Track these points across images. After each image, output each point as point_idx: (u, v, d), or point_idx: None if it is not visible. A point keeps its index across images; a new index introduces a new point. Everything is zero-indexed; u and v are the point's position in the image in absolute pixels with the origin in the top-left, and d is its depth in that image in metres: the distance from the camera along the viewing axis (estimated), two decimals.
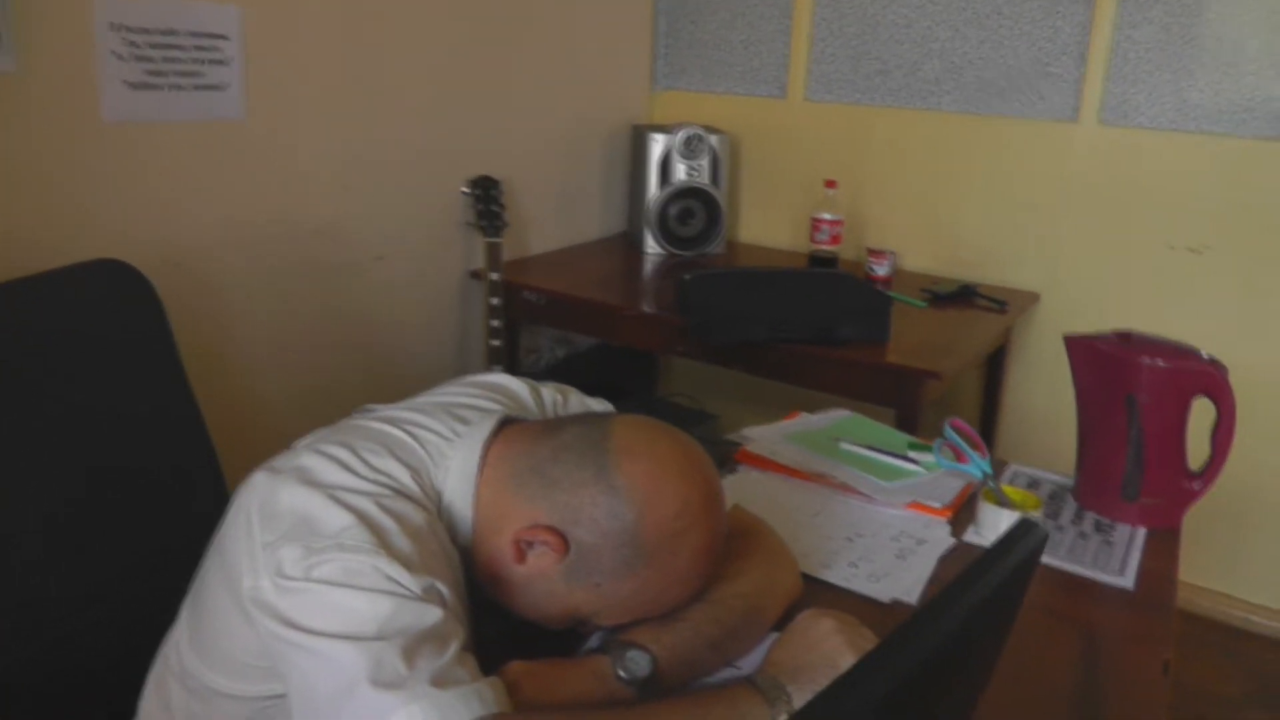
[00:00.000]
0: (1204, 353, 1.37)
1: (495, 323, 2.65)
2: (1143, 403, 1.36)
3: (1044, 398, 2.86)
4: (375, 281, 2.51)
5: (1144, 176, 2.65)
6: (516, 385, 1.18)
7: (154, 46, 1.87)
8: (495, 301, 2.65)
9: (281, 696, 0.94)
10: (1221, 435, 1.36)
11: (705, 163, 3.08)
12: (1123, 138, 2.66)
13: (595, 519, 0.95)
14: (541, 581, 0.98)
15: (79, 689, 1.20)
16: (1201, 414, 1.39)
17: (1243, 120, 2.50)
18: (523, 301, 2.72)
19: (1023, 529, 0.59)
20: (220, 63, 1.98)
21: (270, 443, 1.13)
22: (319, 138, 2.28)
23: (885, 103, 3.01)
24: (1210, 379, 1.35)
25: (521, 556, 0.97)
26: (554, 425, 1.04)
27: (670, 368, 3.52)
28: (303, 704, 0.86)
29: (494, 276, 2.65)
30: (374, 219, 2.47)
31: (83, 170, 1.83)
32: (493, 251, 2.65)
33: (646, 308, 2.66)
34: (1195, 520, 1.45)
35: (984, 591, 0.54)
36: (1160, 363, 1.35)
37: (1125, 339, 1.42)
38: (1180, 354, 1.37)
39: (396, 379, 2.54)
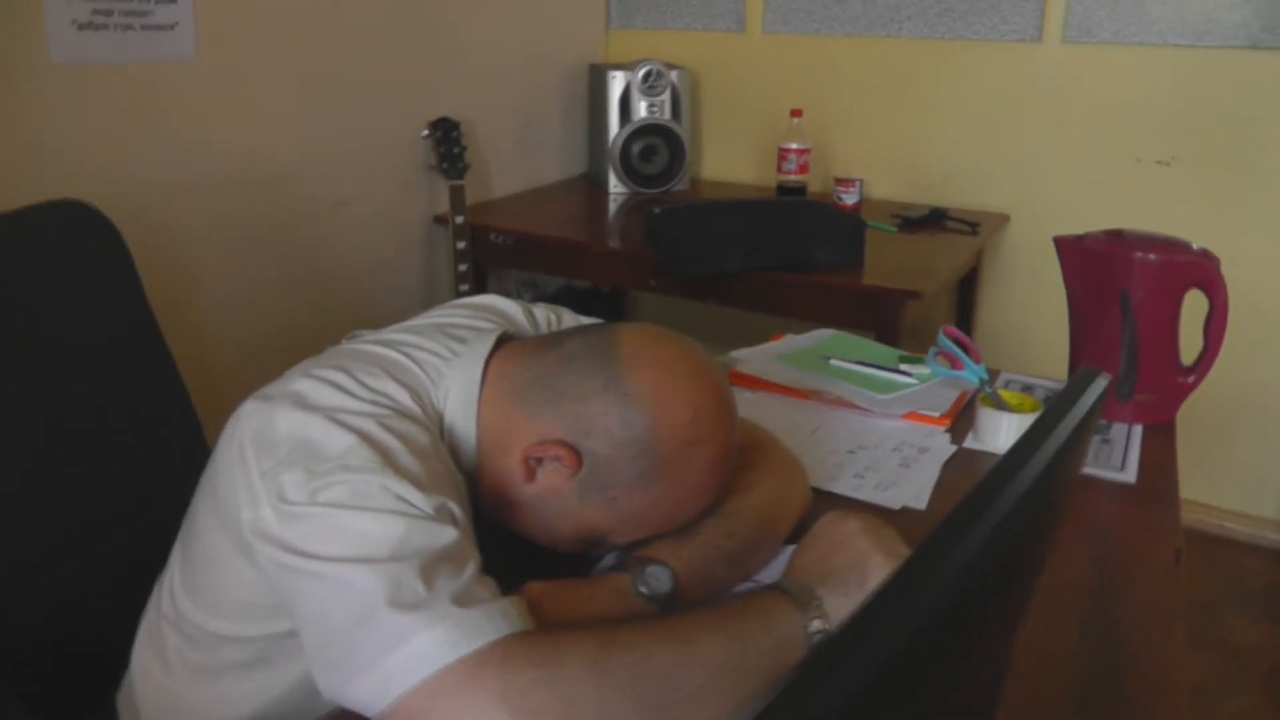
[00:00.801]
0: (1194, 245, 1.37)
1: (462, 266, 2.61)
2: (1136, 298, 1.35)
3: (1018, 315, 2.87)
4: (339, 227, 2.46)
5: (1109, 92, 2.65)
6: (508, 305, 1.14)
7: None
8: (461, 245, 2.60)
9: (285, 635, 0.90)
10: (1214, 326, 1.36)
11: (666, 99, 3.03)
12: (1087, 55, 2.65)
13: (608, 429, 0.92)
14: (553, 500, 0.94)
15: (66, 641, 1.16)
16: (1190, 310, 1.38)
17: (1206, 30, 2.50)
18: (489, 244, 2.67)
19: (1086, 375, 0.57)
20: (169, 0, 1.90)
21: (235, 390, 1.09)
22: (274, 79, 2.22)
23: (845, 32, 2.98)
24: (1203, 270, 1.34)
25: (531, 475, 0.94)
26: (555, 338, 1.01)
27: (640, 305, 3.49)
28: (315, 635, 0.81)
29: (458, 220, 2.60)
30: (334, 163, 2.41)
31: (33, 114, 1.76)
32: (456, 194, 2.60)
33: (615, 244, 2.63)
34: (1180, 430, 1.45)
35: (1057, 446, 0.51)
36: (1152, 257, 1.34)
37: (1115, 236, 1.41)
38: (1171, 247, 1.36)
39: (364, 325, 2.48)
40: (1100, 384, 0.54)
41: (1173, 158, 2.59)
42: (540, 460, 0.94)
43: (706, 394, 0.95)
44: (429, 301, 2.78)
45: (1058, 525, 0.64)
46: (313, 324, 2.38)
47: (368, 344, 1.01)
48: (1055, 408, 0.53)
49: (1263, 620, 2.47)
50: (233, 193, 2.16)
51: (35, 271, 1.23)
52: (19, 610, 1.12)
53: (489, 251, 2.68)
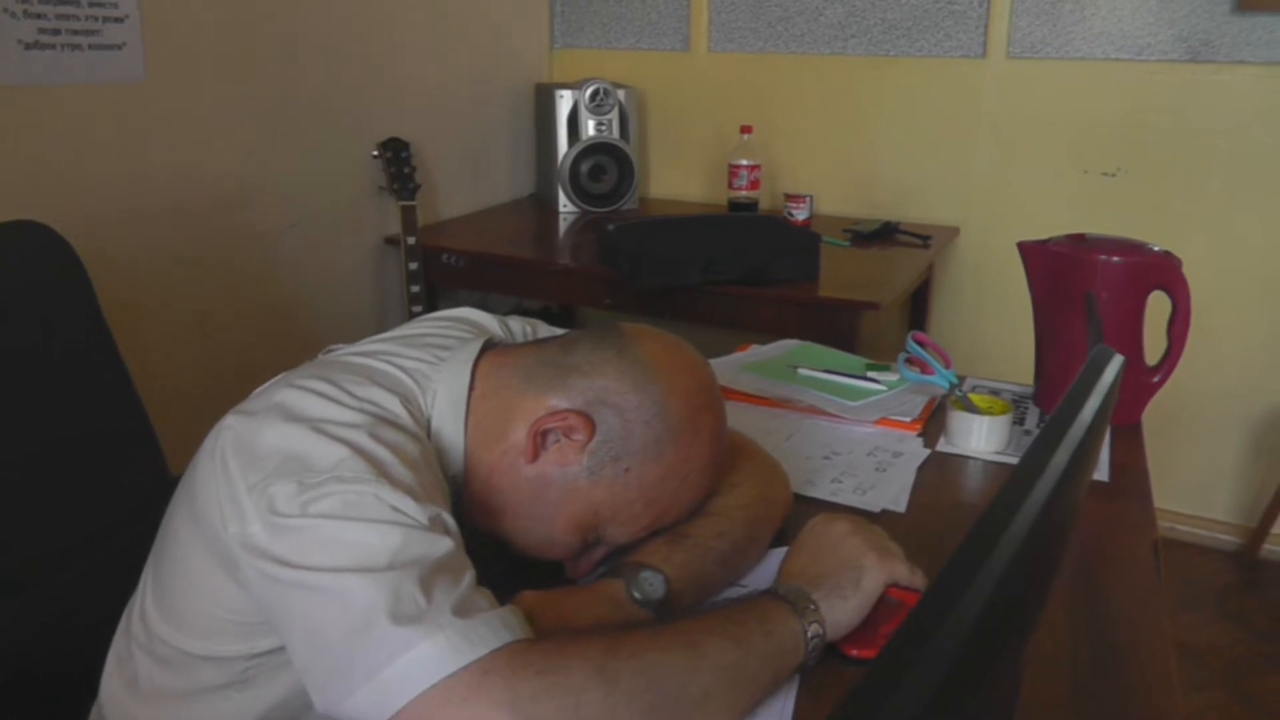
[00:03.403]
0: (1156, 246, 1.39)
1: (415, 287, 2.58)
2: (1101, 299, 1.37)
3: (971, 325, 2.91)
4: (290, 249, 2.42)
5: (1055, 106, 2.71)
6: (482, 316, 1.13)
7: (46, 3, 1.76)
8: (413, 266, 2.58)
9: (266, 654, 0.88)
10: (1178, 326, 1.38)
11: (614, 118, 3.03)
12: (1031, 70, 2.70)
13: (623, 392, 0.92)
14: (558, 481, 0.93)
15: (29, 672, 1.12)
16: (1153, 312, 1.41)
17: (1146, 45, 2.57)
18: (440, 265, 2.65)
19: (1103, 355, 0.57)
20: (117, 20, 1.87)
21: (189, 413, 1.06)
22: (223, 99, 2.18)
23: (791, 50, 3.01)
24: (1166, 271, 1.36)
25: (536, 453, 0.92)
26: (544, 340, 1.00)
27: (593, 324, 3.46)
28: (309, 649, 0.78)
29: (410, 240, 2.58)
30: (285, 185, 2.38)
31: None
32: (407, 215, 2.58)
33: (567, 262, 2.62)
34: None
35: (1081, 431, 0.51)
36: (1116, 259, 1.36)
37: (1079, 240, 1.43)
38: (1134, 249, 1.39)
39: (318, 347, 2.45)
40: (1117, 362, 0.55)
41: (1118, 169, 2.65)
42: (549, 432, 0.92)
43: (705, 370, 0.98)
44: (382, 322, 2.74)
45: (1079, 513, 0.63)
46: (266, 346, 2.34)
47: (348, 356, 0.99)
48: (1079, 386, 0.53)
49: (1218, 620, 2.51)
50: (183, 215, 2.11)
51: None
52: None
53: (441, 272, 2.66)
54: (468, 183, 3.05)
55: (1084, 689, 0.91)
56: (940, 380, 1.42)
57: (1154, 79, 2.58)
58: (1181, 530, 2.82)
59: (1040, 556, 0.48)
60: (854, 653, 0.91)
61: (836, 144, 3.01)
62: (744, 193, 2.93)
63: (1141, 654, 0.96)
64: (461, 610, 0.76)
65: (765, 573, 1.02)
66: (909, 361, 1.49)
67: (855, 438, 1.38)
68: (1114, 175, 2.66)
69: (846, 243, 2.63)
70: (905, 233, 2.70)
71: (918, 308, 2.88)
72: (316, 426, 0.84)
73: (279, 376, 0.96)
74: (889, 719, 0.32)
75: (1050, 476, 0.45)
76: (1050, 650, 0.95)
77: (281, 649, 0.86)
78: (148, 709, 0.95)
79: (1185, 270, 1.38)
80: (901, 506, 1.20)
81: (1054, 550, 0.54)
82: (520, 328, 1.16)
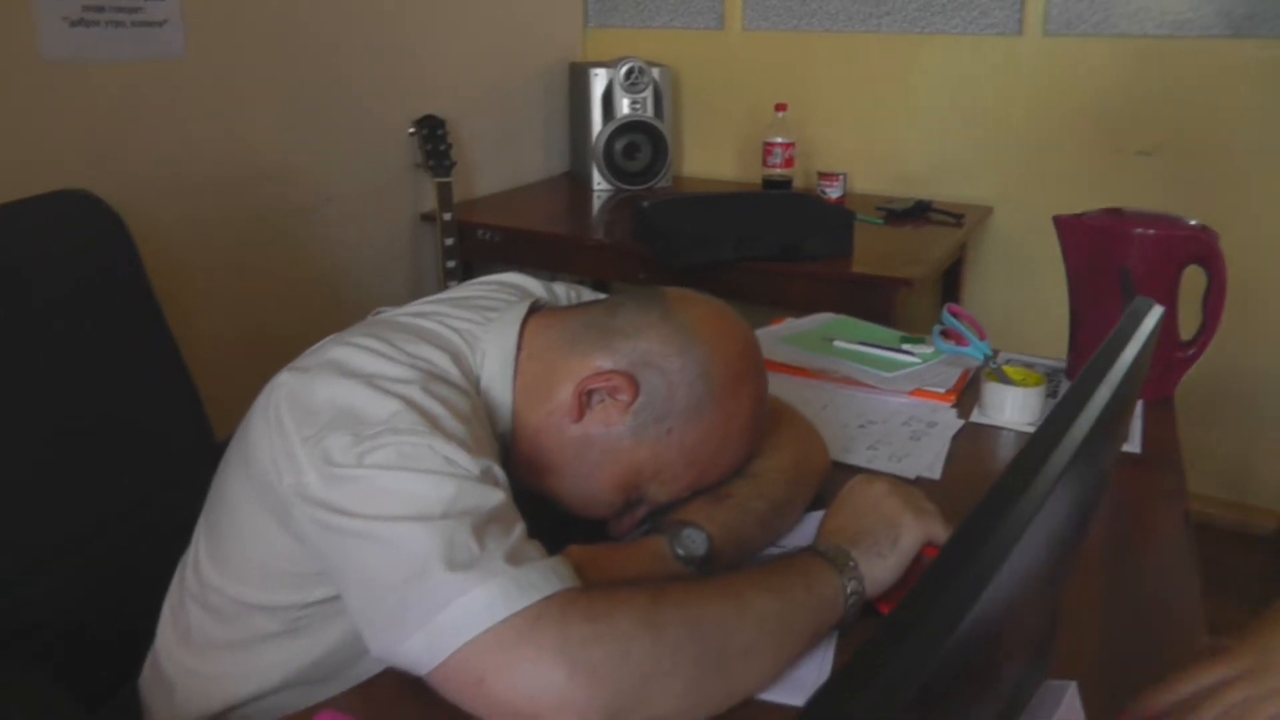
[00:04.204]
0: (1193, 220, 1.39)
1: (450, 263, 2.61)
2: (1136, 273, 1.37)
3: (1003, 304, 2.90)
4: (328, 224, 2.46)
5: (1090, 84, 2.69)
6: (528, 280, 1.15)
7: None
8: (449, 242, 2.61)
9: (318, 603, 0.90)
10: (1213, 301, 1.39)
11: (648, 96, 3.05)
12: (1068, 47, 2.69)
13: (666, 355, 0.94)
14: (602, 440, 0.95)
15: (84, 628, 1.15)
16: (1185, 289, 1.41)
17: (1187, 20, 2.55)
18: (475, 241, 2.68)
19: (1143, 305, 0.58)
20: None
21: (227, 383, 1.09)
22: (262, 77, 2.21)
23: (825, 28, 3.01)
24: (1202, 244, 1.37)
25: (581, 412, 0.95)
26: (589, 303, 1.02)
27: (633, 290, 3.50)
28: (363, 596, 0.81)
29: (446, 216, 2.60)
30: (322, 160, 2.41)
31: (24, 110, 1.76)
32: (443, 191, 2.61)
33: (602, 238, 2.64)
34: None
35: (1121, 374, 0.53)
36: (1152, 232, 1.37)
37: (1115, 214, 1.43)
38: (1170, 223, 1.39)
39: (354, 320, 2.49)
40: (1156, 312, 0.56)
41: (1154, 147, 2.64)
42: (593, 393, 0.95)
43: (749, 335, 1.01)
44: (417, 296, 2.77)
45: (1118, 452, 0.65)
46: (305, 318, 2.37)
47: (398, 316, 1.01)
48: (1119, 333, 0.55)
49: (1249, 604, 2.50)
50: (223, 188, 2.15)
51: (43, 260, 1.22)
52: (37, 598, 1.11)
53: (476, 248, 2.69)
54: (503, 160, 3.07)
55: (1118, 654, 0.93)
56: (974, 352, 1.44)
57: (1194, 55, 2.56)
58: (1214, 515, 2.81)
59: (1081, 490, 0.50)
60: (890, 611, 0.92)
61: (870, 122, 3.01)
62: (778, 170, 2.94)
63: (1173, 618, 0.98)
64: (514, 558, 0.78)
65: (803, 535, 1.04)
66: (944, 334, 1.50)
67: (890, 408, 1.39)
68: (1151, 154, 2.65)
69: (880, 220, 2.64)
70: (939, 211, 2.70)
71: (950, 286, 2.88)
72: (370, 381, 0.86)
73: (330, 336, 0.99)
74: (895, 674, 0.33)
75: (1095, 406, 0.47)
76: (1085, 615, 0.97)
77: (333, 598, 0.88)
78: (200, 659, 0.99)
79: (1223, 250, 1.39)
80: (936, 474, 1.22)
81: (1093, 486, 0.55)
82: (565, 292, 1.18)
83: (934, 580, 0.35)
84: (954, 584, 0.34)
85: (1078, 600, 0.98)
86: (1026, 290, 2.85)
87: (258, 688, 0.95)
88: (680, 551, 0.93)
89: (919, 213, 2.71)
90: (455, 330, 0.97)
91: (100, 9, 1.83)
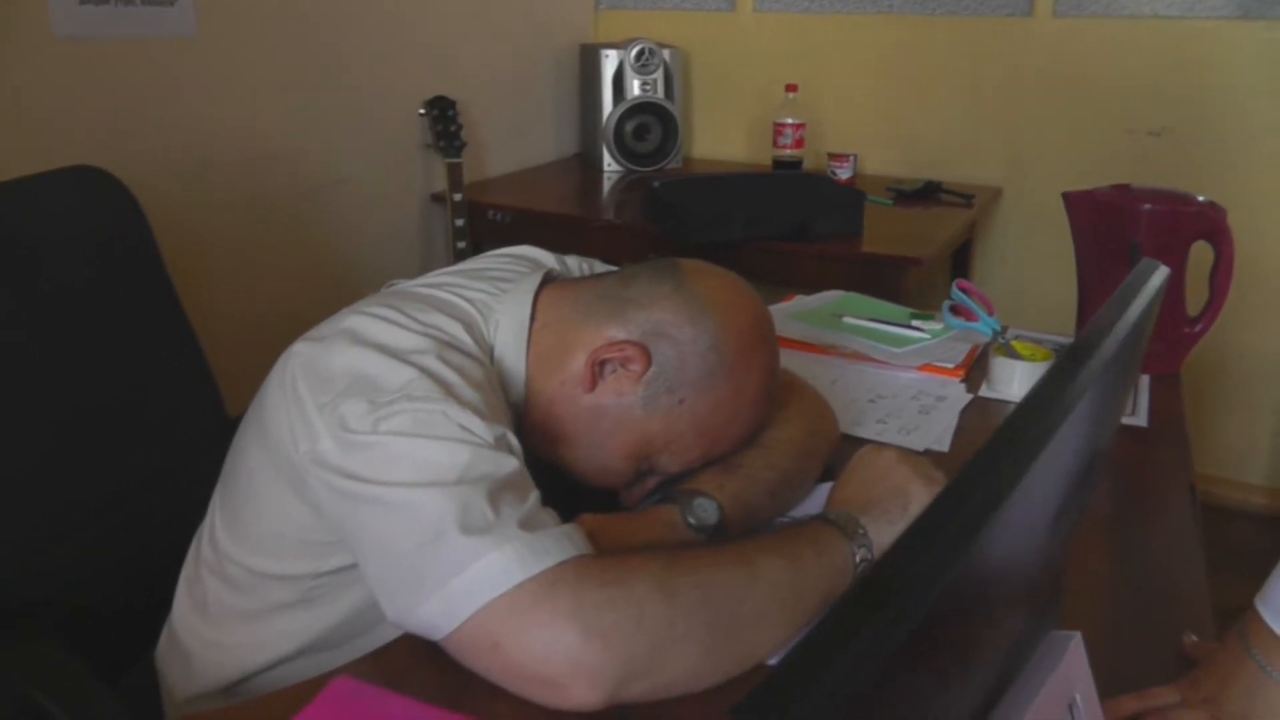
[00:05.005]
0: (1201, 197, 1.40)
1: (460, 244, 2.62)
2: (1143, 249, 1.38)
3: (1013, 284, 2.90)
4: (339, 204, 2.46)
5: (1100, 65, 2.69)
6: (540, 253, 1.16)
7: None
8: (459, 223, 2.61)
9: (333, 572, 0.91)
10: (1221, 276, 1.40)
11: (659, 77, 3.05)
12: (1078, 28, 2.69)
13: (679, 325, 0.95)
14: (614, 410, 0.96)
15: (101, 600, 1.17)
16: (1193, 265, 1.42)
17: (1195, 2, 2.55)
18: (486, 221, 2.68)
19: (1147, 266, 0.59)
20: None
21: (240, 361, 1.09)
22: (273, 57, 2.22)
23: (836, 9, 3.01)
24: (1209, 221, 1.38)
25: (594, 382, 0.95)
26: (603, 274, 1.03)
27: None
28: (380, 561, 0.82)
29: (456, 197, 2.61)
30: (333, 140, 2.42)
31: (36, 88, 1.77)
32: (453, 172, 2.61)
33: (613, 218, 2.65)
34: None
35: (1115, 348, 0.54)
36: (1160, 208, 1.37)
37: (1123, 190, 1.44)
38: (1178, 200, 1.40)
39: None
40: (1162, 272, 0.57)
41: (1164, 128, 2.64)
42: (606, 363, 0.95)
43: (760, 307, 1.01)
44: None
45: (1121, 412, 0.66)
46: (315, 296, 2.38)
47: (412, 287, 1.02)
48: (1124, 291, 0.56)
49: (1251, 581, 2.50)
50: (234, 167, 2.16)
51: (57, 236, 1.23)
52: (55, 571, 1.13)
53: (487, 228, 2.70)
54: (513, 141, 3.08)
55: (1122, 615, 0.94)
56: (983, 327, 1.45)
57: (1203, 36, 2.56)
58: (1217, 494, 2.81)
59: (1080, 442, 0.51)
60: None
61: (881, 103, 3.01)
62: (788, 151, 2.94)
63: (1178, 587, 0.99)
64: (528, 524, 0.79)
65: (813, 506, 1.05)
66: (953, 309, 1.51)
67: (900, 382, 1.40)
68: (1159, 135, 2.64)
69: (890, 201, 2.64)
70: (949, 192, 2.70)
71: (960, 266, 2.89)
72: (385, 349, 0.87)
73: (346, 308, 1.00)
74: (873, 637, 0.33)
75: (1097, 363, 0.48)
76: (1090, 585, 0.98)
77: (348, 567, 0.89)
78: (216, 629, 1.00)
79: (1231, 227, 1.39)
80: (945, 446, 1.23)
81: (1094, 441, 0.56)
82: (577, 264, 1.19)
83: (924, 527, 0.36)
84: (945, 532, 0.35)
85: (1084, 567, 1.00)
86: (1036, 269, 2.85)
87: (273, 656, 0.96)
88: (691, 520, 0.94)
89: (929, 193, 2.71)
90: (469, 300, 0.98)
91: None
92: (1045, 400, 0.47)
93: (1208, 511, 2.71)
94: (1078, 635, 0.53)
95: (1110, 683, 0.81)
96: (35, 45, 1.76)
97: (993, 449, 0.41)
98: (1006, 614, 0.46)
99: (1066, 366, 0.50)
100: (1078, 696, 0.51)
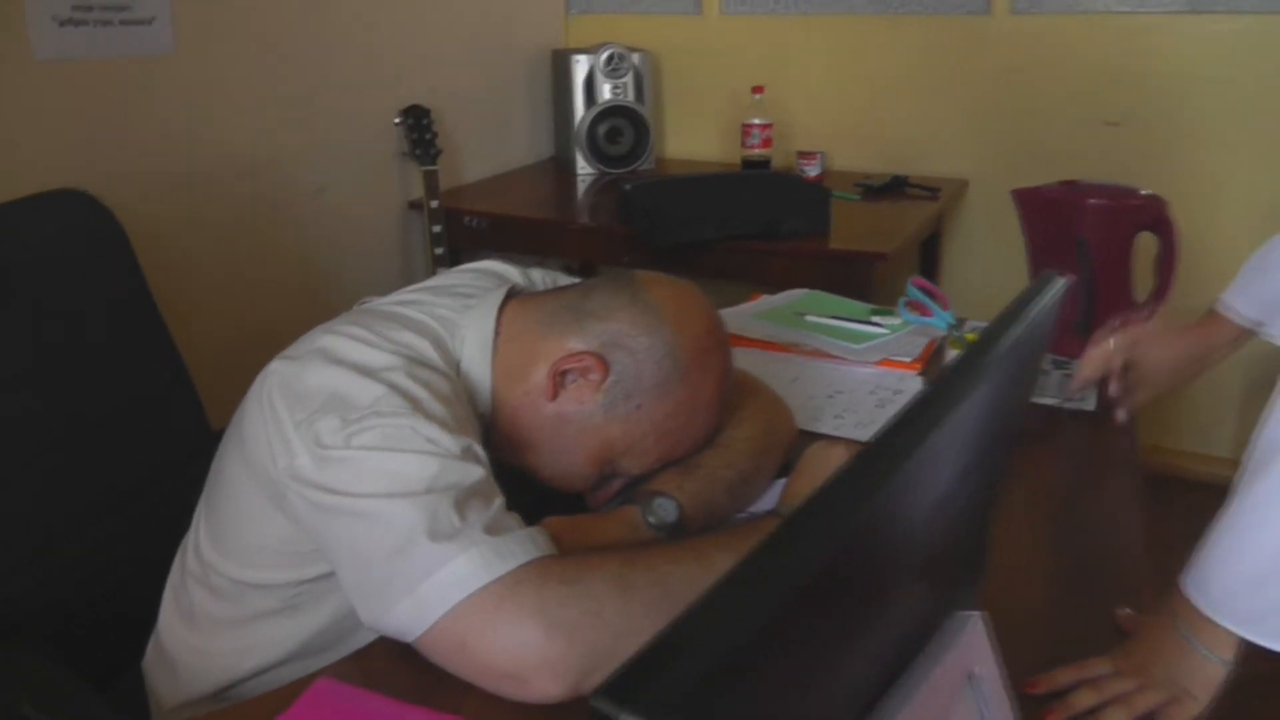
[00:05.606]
0: (1144, 190, 1.45)
1: (438, 250, 2.66)
2: (1090, 241, 1.43)
3: (980, 273, 2.96)
4: (318, 214, 2.51)
5: (1058, 59, 2.75)
6: (505, 267, 1.19)
7: None
8: (436, 229, 2.66)
9: (313, 580, 0.96)
10: (1165, 264, 1.45)
11: (629, 81, 3.09)
12: (1034, 25, 2.76)
13: (635, 335, 0.99)
14: (576, 418, 1.00)
15: (87, 612, 1.20)
16: (1144, 253, 1.47)
17: None
18: (463, 227, 2.72)
19: (1045, 278, 0.64)
20: None
21: (222, 373, 1.12)
22: (251, 72, 2.26)
23: (801, 10, 3.06)
24: (1151, 212, 1.43)
25: (555, 391, 1.00)
26: (568, 286, 1.07)
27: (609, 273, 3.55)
28: (354, 568, 0.86)
29: (433, 204, 2.65)
30: (311, 152, 2.46)
31: (16, 110, 1.80)
32: (430, 179, 2.65)
33: (587, 221, 2.69)
34: None
35: (1011, 342, 0.58)
36: (1104, 202, 1.43)
37: (1070, 186, 1.49)
38: (1121, 193, 1.45)
39: (345, 308, 2.53)
40: (1058, 284, 0.62)
41: (1121, 118, 2.70)
42: (567, 373, 0.99)
43: (713, 314, 1.05)
44: (407, 283, 2.81)
45: (1025, 403, 0.71)
46: (296, 307, 2.42)
47: (382, 305, 1.07)
48: (1021, 296, 0.61)
49: None
50: (214, 182, 2.20)
51: (40, 260, 1.26)
52: (42, 584, 1.16)
53: (463, 234, 2.74)
54: (488, 147, 3.12)
55: (1065, 592, 1.00)
56: (939, 322, 1.50)
57: (1155, 29, 2.63)
58: (1184, 468, 2.87)
59: (978, 430, 0.56)
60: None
61: (848, 101, 3.06)
62: (757, 151, 2.99)
63: (1119, 567, 1.04)
64: (493, 529, 0.84)
65: (770, 502, 1.10)
66: (909, 305, 1.56)
67: (858, 378, 1.45)
68: (1118, 124, 2.71)
69: (857, 197, 2.70)
70: (915, 186, 2.76)
71: (929, 257, 2.94)
72: (356, 367, 0.92)
73: (318, 326, 1.04)
74: (776, 583, 0.36)
75: (994, 356, 0.53)
76: (1032, 564, 1.04)
77: (328, 575, 0.94)
78: (203, 637, 1.04)
79: (1185, 212, 1.45)
80: None
81: (996, 425, 0.61)
82: (541, 277, 1.23)
83: (817, 500, 0.40)
84: (834, 504, 0.40)
85: (1029, 547, 1.06)
86: (1004, 258, 2.89)
87: (258, 662, 1.01)
88: (652, 519, 0.99)
89: (896, 188, 2.76)
90: (436, 317, 1.03)
91: (89, 8, 1.87)
92: (941, 387, 0.52)
93: (1174, 484, 2.78)
94: (978, 614, 0.58)
95: (1053, 656, 0.87)
96: (16, 68, 1.80)
97: (890, 430, 0.46)
98: (903, 588, 0.50)
99: (966, 358, 0.55)
100: (977, 668, 0.56)
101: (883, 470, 0.42)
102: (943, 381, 0.52)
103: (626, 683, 0.27)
